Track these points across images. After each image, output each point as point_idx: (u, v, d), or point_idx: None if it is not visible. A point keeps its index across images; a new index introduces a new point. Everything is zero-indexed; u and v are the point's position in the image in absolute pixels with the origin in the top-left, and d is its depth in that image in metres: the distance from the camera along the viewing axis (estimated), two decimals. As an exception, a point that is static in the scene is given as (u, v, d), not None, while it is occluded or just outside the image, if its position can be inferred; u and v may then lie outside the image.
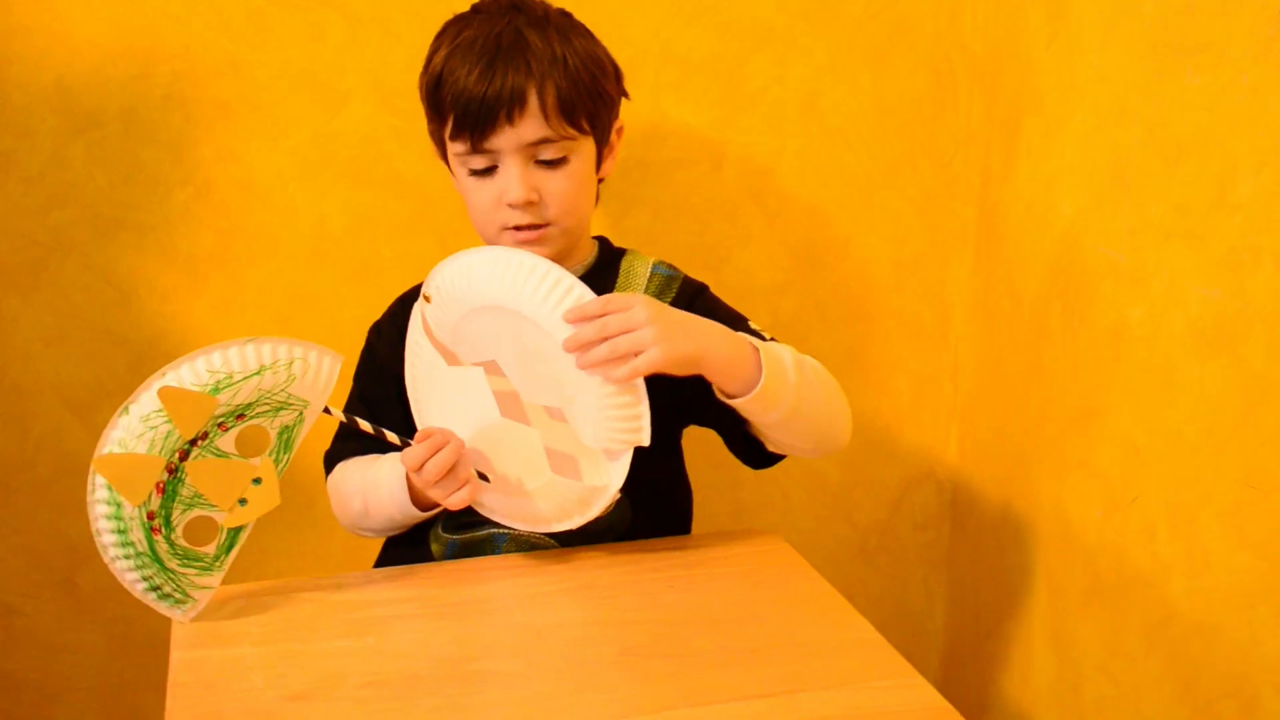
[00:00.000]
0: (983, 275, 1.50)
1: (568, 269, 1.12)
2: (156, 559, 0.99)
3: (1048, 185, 1.33)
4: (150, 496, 0.98)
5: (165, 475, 0.98)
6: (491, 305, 1.05)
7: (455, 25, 1.13)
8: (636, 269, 1.19)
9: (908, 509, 1.62)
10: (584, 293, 1.03)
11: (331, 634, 0.98)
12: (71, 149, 1.31)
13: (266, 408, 1.00)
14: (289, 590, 1.05)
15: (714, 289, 1.22)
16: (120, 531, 0.98)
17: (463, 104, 1.07)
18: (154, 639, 1.41)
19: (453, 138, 1.10)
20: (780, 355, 1.06)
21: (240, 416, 0.99)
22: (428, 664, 0.93)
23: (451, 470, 1.04)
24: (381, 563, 1.20)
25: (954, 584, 1.62)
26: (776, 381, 1.04)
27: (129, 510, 0.97)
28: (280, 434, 1.01)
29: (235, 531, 1.02)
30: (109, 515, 0.98)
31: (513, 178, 1.09)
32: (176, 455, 0.98)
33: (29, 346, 1.35)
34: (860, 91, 1.46)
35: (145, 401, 0.98)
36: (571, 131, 1.09)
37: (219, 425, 0.99)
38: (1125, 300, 1.20)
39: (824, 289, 1.52)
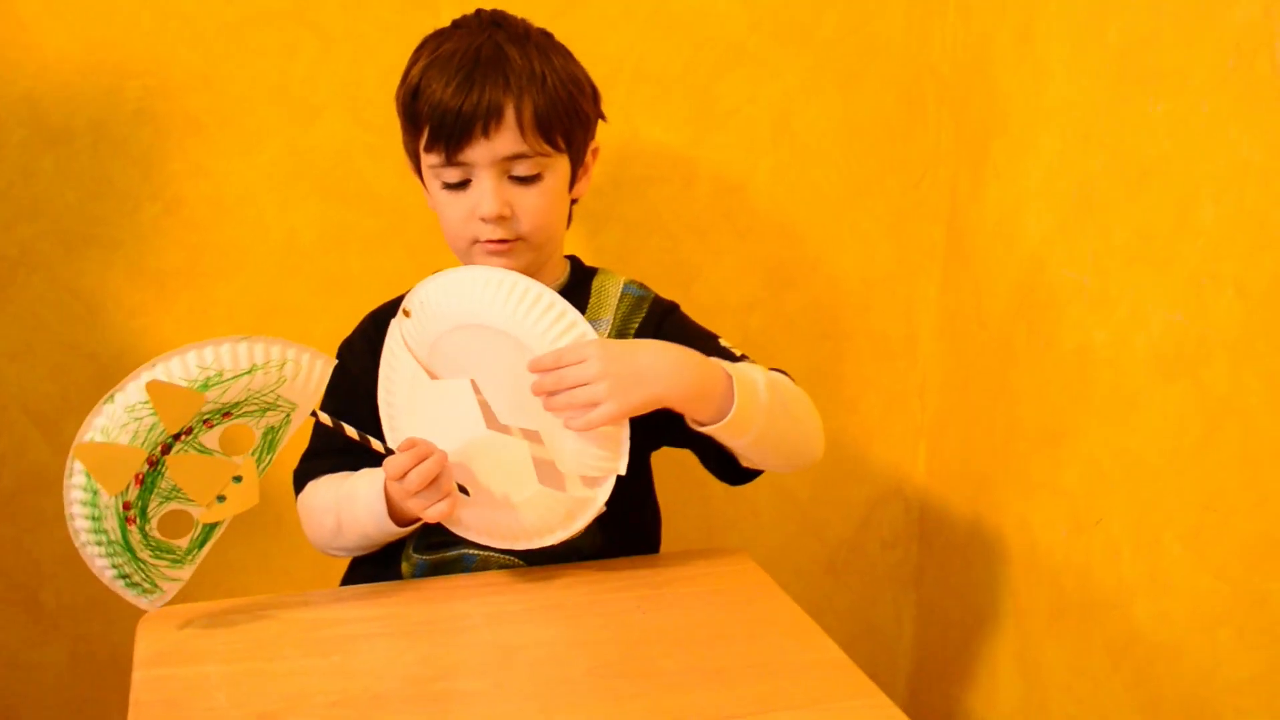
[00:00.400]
0: (951, 295, 1.51)
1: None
2: (129, 548, 0.98)
3: (1015, 207, 1.35)
4: (128, 487, 0.97)
5: (145, 467, 0.97)
6: (477, 325, 1.05)
7: (435, 39, 1.13)
8: (608, 289, 1.19)
9: (876, 526, 1.63)
10: (586, 330, 1.05)
11: (297, 653, 0.98)
12: (40, 163, 1.30)
13: (254, 407, 0.99)
14: (254, 608, 1.05)
15: (684, 306, 1.22)
16: (94, 519, 0.97)
17: (439, 115, 1.07)
18: (117, 656, 1.40)
19: (427, 150, 1.10)
20: (753, 379, 1.06)
21: (226, 414, 0.99)
22: (395, 683, 0.93)
23: (434, 481, 1.04)
24: (349, 581, 1.20)
25: (921, 602, 1.63)
26: (749, 407, 1.04)
27: (105, 499, 0.97)
28: (265, 434, 1.01)
29: (210, 527, 1.02)
30: (84, 501, 0.97)
31: (486, 191, 1.09)
32: (159, 448, 0.97)
33: (-6, 360, 1.34)
34: (831, 112, 1.47)
35: (132, 392, 0.97)
36: (547, 148, 1.10)
37: (204, 422, 0.98)
38: (1090, 323, 1.21)
39: (794, 307, 1.52)
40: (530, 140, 1.08)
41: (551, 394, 1.02)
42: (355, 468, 1.12)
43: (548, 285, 1.16)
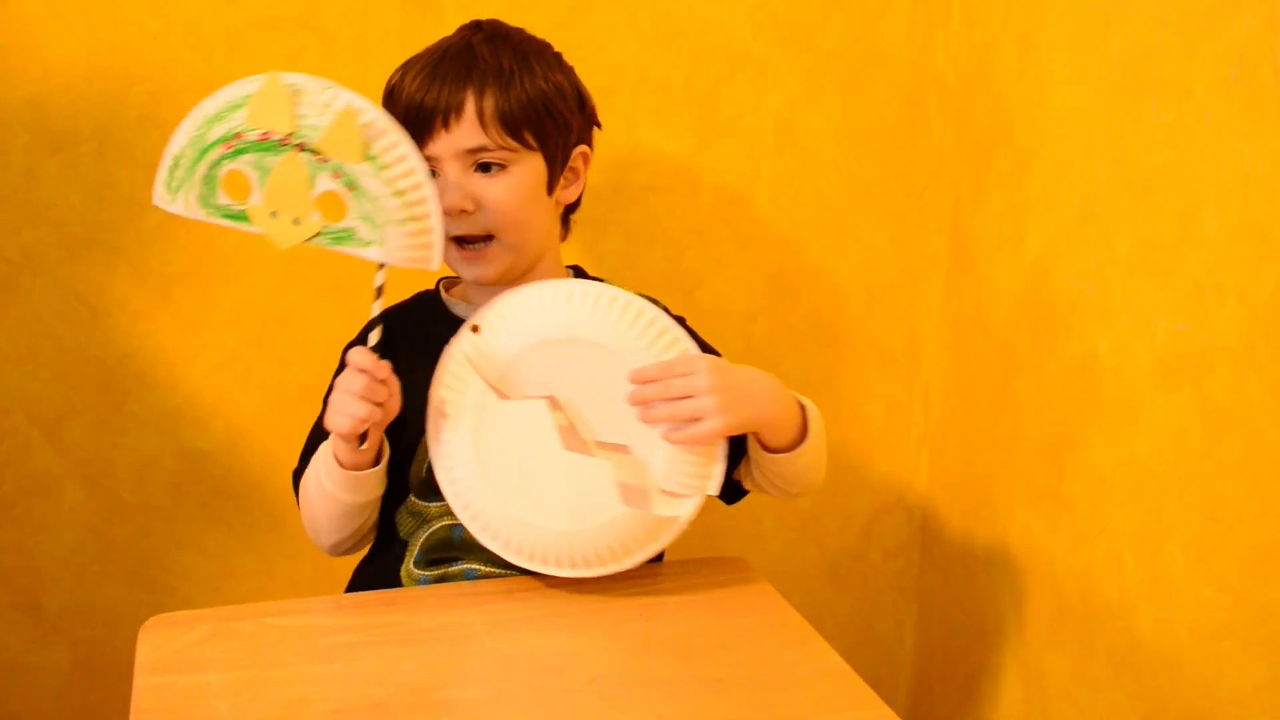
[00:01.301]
0: (954, 304, 1.51)
1: None
2: (191, 174, 0.99)
3: (1018, 216, 1.35)
4: (239, 138, 0.97)
5: (277, 138, 0.96)
6: (565, 339, 1.03)
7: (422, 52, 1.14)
8: None
9: (878, 535, 1.62)
10: (690, 345, 1.05)
11: (298, 660, 0.97)
12: (44, 167, 1.30)
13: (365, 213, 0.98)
14: (255, 615, 1.05)
15: (687, 314, 1.22)
16: (194, 139, 0.98)
17: (405, 111, 1.08)
18: (118, 662, 1.40)
19: None
20: (816, 412, 1.11)
21: (351, 187, 0.97)
22: (395, 691, 0.93)
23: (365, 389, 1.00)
24: (352, 590, 1.19)
25: (923, 611, 1.63)
26: (817, 439, 1.09)
27: (212, 126, 0.97)
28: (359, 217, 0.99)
29: (241, 219, 0.99)
30: (221, 107, 0.98)
31: (448, 184, 1.08)
32: (296, 143, 0.97)
33: (-3, 364, 1.34)
34: (834, 120, 1.47)
35: (336, 94, 0.96)
36: (512, 143, 1.09)
37: (333, 172, 0.97)
38: (1093, 332, 1.21)
39: (796, 315, 1.52)
40: (492, 134, 1.08)
41: (651, 404, 1.02)
42: None
43: None
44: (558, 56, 1.16)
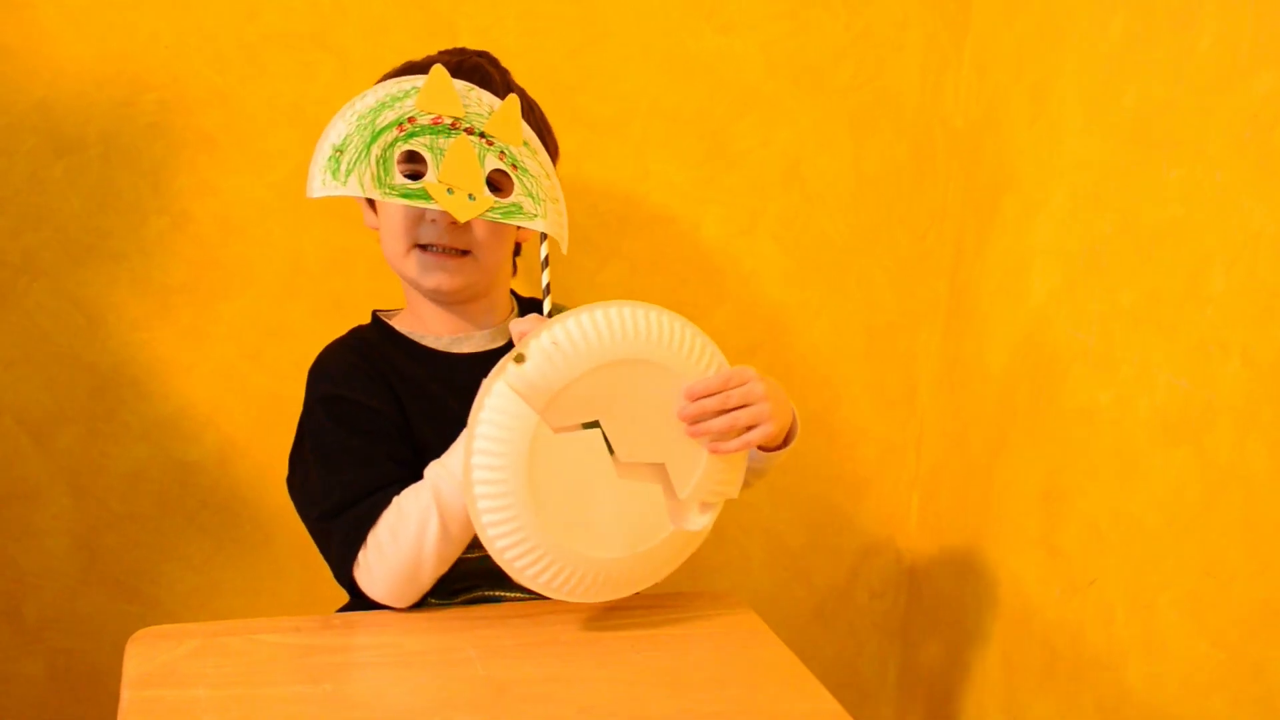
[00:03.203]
0: (952, 348, 1.52)
1: (498, 324, 1.16)
2: (365, 156, 1.01)
3: (1021, 264, 1.35)
4: (411, 122, 1.02)
5: (448, 122, 1.02)
6: (622, 361, 1.01)
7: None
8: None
9: (866, 576, 1.62)
10: (722, 356, 1.06)
11: (288, 679, 0.96)
12: (50, 171, 1.29)
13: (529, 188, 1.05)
14: (246, 631, 1.04)
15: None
16: (369, 111, 1.02)
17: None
18: (98, 672, 1.38)
19: None
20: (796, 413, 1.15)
21: (514, 166, 1.04)
22: (384, 714, 0.92)
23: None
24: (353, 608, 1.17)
25: (908, 654, 1.62)
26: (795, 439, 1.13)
27: (380, 113, 1.02)
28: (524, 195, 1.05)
29: (421, 196, 1.02)
30: (383, 98, 1.02)
31: None
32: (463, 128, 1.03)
33: (-10, 367, 1.33)
34: (841, 160, 1.48)
35: (482, 94, 1.04)
36: None
37: (499, 153, 1.04)
38: (1094, 383, 1.21)
39: (794, 352, 1.53)
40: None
41: (697, 419, 1.02)
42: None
43: (500, 318, 1.18)
44: (533, 101, 1.17)
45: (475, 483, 0.99)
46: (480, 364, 1.05)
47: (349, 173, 1.01)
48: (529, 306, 1.21)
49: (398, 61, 1.32)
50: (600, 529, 1.03)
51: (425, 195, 1.02)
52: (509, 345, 1.05)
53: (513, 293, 1.24)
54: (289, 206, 1.35)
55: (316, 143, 1.02)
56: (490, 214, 1.03)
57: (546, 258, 1.06)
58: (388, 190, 1.02)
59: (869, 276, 1.52)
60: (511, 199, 1.04)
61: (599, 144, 1.41)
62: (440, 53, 1.16)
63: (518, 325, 1.01)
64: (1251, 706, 1.02)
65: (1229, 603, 1.05)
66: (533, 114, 1.13)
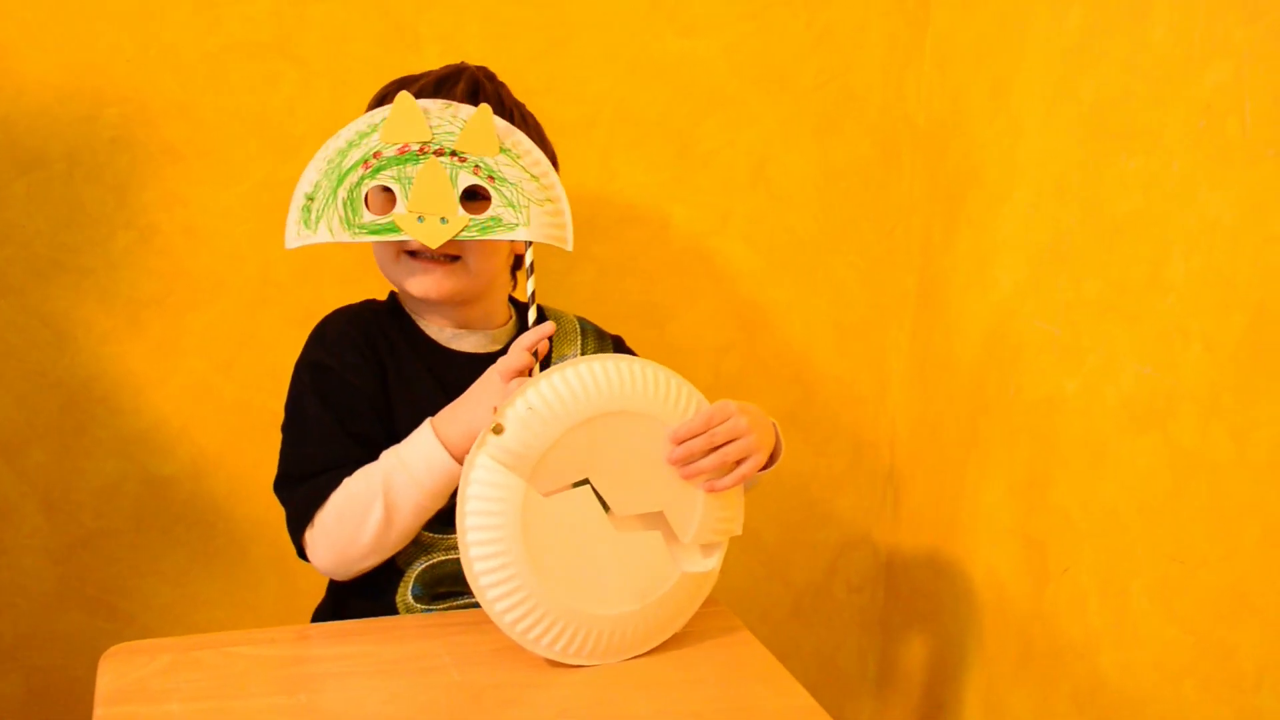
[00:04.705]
0: (922, 343, 1.53)
1: (494, 330, 1.16)
2: (340, 177, 1.03)
3: (987, 258, 1.36)
4: (378, 156, 1.03)
5: (415, 148, 1.03)
6: (604, 414, 1.00)
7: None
8: (565, 325, 1.20)
9: (843, 571, 1.63)
10: (700, 395, 1.05)
11: (262, 691, 0.96)
12: (12, 188, 1.29)
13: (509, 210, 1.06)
14: (219, 645, 1.03)
15: (658, 347, 1.23)
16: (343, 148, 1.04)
17: None
18: (75, 689, 1.37)
19: None
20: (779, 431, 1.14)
21: (491, 176, 1.05)
22: (361, 724, 0.92)
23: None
24: (339, 617, 1.16)
25: (887, 647, 1.63)
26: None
27: (347, 154, 1.03)
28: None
29: (389, 229, 1.03)
30: (351, 137, 1.04)
31: None
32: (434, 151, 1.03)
33: (-42, 385, 1.32)
34: (807, 158, 1.49)
35: (458, 109, 1.05)
36: None
37: (473, 168, 1.04)
38: (1060, 373, 1.23)
39: (766, 350, 1.53)
40: None
41: (687, 461, 1.02)
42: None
43: (497, 324, 1.18)
44: (532, 117, 1.17)
45: (474, 560, 0.98)
46: (475, 365, 1.08)
47: (319, 219, 1.03)
48: (522, 308, 1.21)
49: (360, 69, 1.33)
50: (608, 585, 1.02)
51: (395, 229, 1.03)
52: (505, 351, 1.07)
53: (512, 300, 1.23)
54: (256, 216, 1.34)
55: (294, 190, 1.04)
56: (465, 234, 1.04)
57: (531, 264, 1.07)
58: (357, 230, 1.03)
59: (838, 274, 1.53)
60: (491, 212, 1.04)
61: (565, 147, 1.40)
62: (443, 68, 1.15)
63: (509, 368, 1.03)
64: (1222, 690, 1.03)
65: (1197, 588, 1.06)
66: (526, 124, 1.13)
